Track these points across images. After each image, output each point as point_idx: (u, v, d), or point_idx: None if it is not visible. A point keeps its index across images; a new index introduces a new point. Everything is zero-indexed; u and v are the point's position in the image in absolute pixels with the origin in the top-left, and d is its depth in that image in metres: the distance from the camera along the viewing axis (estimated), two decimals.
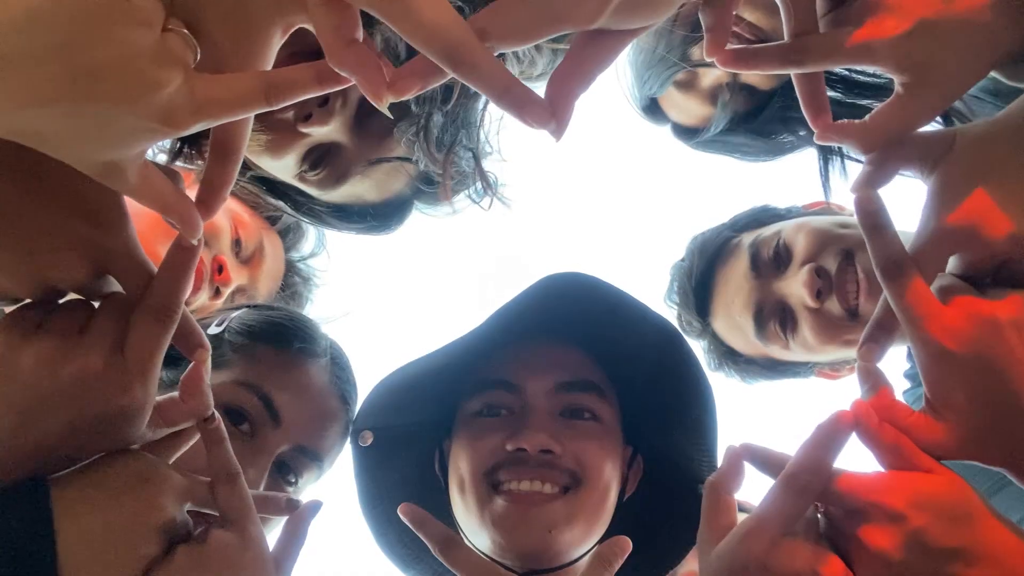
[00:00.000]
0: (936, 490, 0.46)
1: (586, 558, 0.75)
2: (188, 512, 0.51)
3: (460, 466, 0.78)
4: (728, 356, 1.28)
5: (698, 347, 1.31)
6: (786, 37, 0.53)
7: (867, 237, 0.53)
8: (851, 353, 1.14)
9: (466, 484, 0.77)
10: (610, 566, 0.68)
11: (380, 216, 1.00)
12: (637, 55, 1.17)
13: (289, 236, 1.28)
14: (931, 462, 0.48)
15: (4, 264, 0.48)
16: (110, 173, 0.42)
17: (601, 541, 0.77)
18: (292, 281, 1.29)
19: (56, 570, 0.44)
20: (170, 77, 0.39)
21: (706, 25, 0.51)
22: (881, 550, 0.45)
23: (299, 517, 0.59)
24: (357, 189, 0.92)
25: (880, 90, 0.96)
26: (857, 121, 0.53)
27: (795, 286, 1.09)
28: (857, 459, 0.50)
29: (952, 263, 0.51)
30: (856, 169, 0.56)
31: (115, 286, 0.51)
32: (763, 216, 1.28)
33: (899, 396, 0.53)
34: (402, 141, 0.84)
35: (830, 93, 0.94)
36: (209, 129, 0.46)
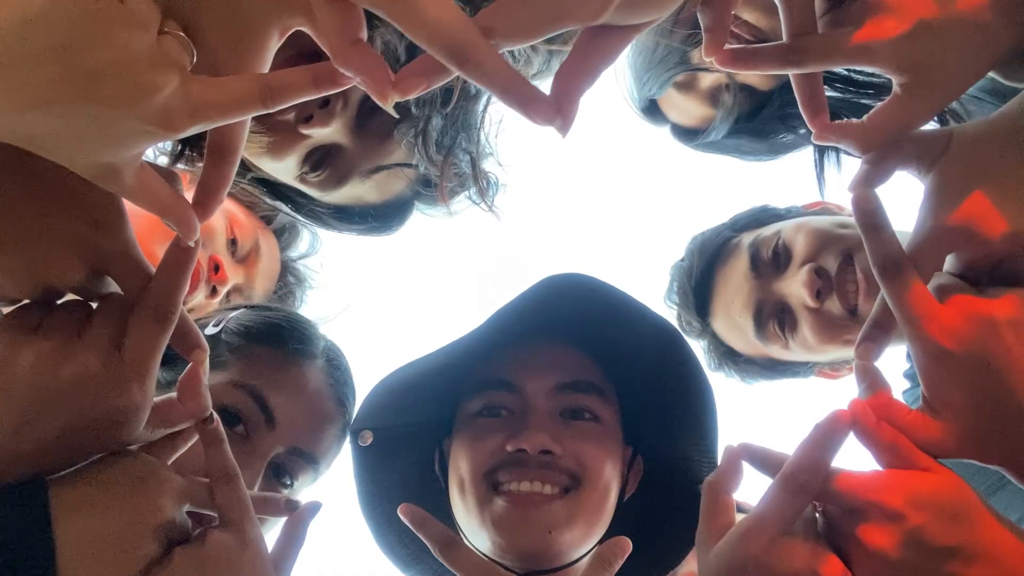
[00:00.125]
0: (934, 489, 0.46)
1: (586, 559, 0.75)
2: (187, 513, 0.51)
3: (460, 466, 0.78)
4: (728, 356, 1.28)
5: (698, 347, 1.31)
6: (784, 37, 0.53)
7: (864, 236, 0.53)
8: (851, 353, 1.13)
9: (466, 484, 0.77)
10: (610, 567, 0.69)
11: (381, 217, 1.00)
12: (636, 57, 1.17)
13: (284, 236, 1.28)
14: (929, 461, 0.48)
15: (2, 265, 0.48)
16: (107, 175, 0.42)
17: (601, 542, 0.77)
18: (287, 281, 1.29)
19: (55, 571, 0.44)
20: (166, 80, 0.40)
21: (704, 25, 0.51)
22: (879, 549, 0.45)
23: (298, 518, 0.59)
24: (358, 191, 0.93)
25: (880, 89, 0.96)
26: (855, 121, 0.53)
27: (795, 286, 1.09)
28: (855, 458, 0.50)
29: (949, 262, 0.51)
30: (852, 163, 0.56)
31: (113, 287, 0.51)
32: (763, 216, 1.28)
33: (898, 395, 0.53)
34: (402, 143, 0.84)
35: (830, 92, 0.95)
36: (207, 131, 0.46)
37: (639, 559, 0.71)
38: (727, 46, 0.52)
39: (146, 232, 0.51)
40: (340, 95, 0.79)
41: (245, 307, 0.86)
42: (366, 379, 0.85)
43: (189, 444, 0.56)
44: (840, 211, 1.24)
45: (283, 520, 0.61)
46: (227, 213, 1.14)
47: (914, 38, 0.49)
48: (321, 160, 0.86)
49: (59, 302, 0.51)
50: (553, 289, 0.78)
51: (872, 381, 0.53)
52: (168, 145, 0.83)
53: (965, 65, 0.50)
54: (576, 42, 0.43)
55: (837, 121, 0.54)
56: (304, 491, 0.79)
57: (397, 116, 0.74)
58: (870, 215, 0.53)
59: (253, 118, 0.47)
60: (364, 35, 0.41)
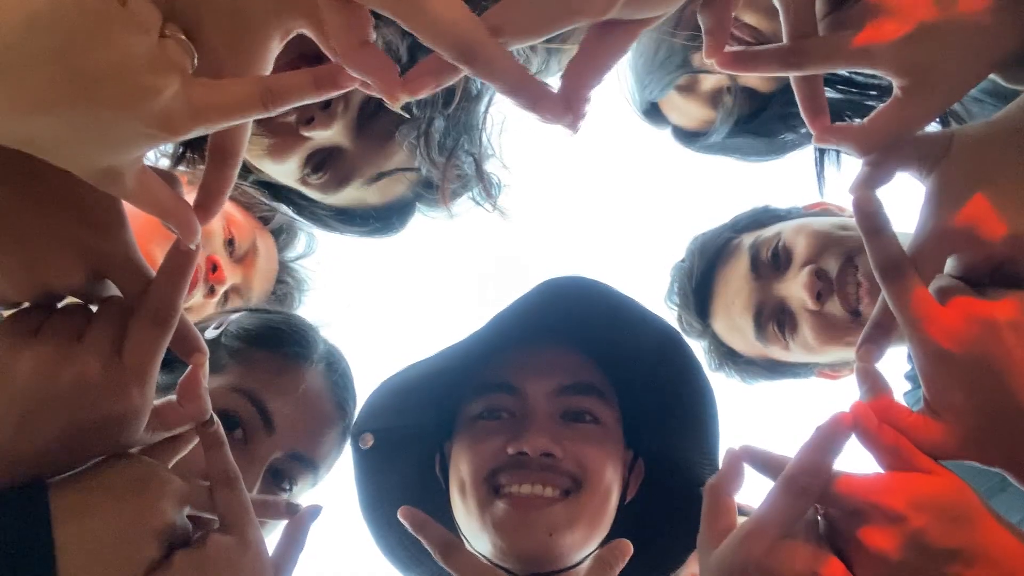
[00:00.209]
0: (935, 491, 0.46)
1: (587, 562, 0.75)
2: (187, 516, 0.51)
3: (461, 469, 0.78)
4: (728, 357, 1.28)
5: (699, 348, 1.31)
6: (785, 40, 0.53)
7: (865, 238, 0.53)
8: (852, 354, 1.13)
9: (467, 487, 0.76)
10: (611, 569, 0.69)
11: (382, 219, 1.00)
12: (638, 59, 1.17)
13: (282, 237, 1.28)
14: (930, 463, 0.48)
15: (2, 268, 0.48)
16: (108, 178, 0.42)
17: (602, 544, 0.77)
18: (285, 281, 1.29)
19: (55, 574, 0.44)
20: (167, 83, 0.40)
21: (705, 27, 0.51)
22: (881, 551, 0.45)
23: (299, 521, 0.59)
24: (359, 193, 0.93)
25: (883, 90, 0.96)
26: (855, 123, 0.53)
27: (795, 288, 1.09)
28: (857, 461, 0.50)
29: (950, 264, 0.51)
30: (852, 162, 0.56)
31: (113, 290, 0.51)
32: (764, 217, 1.28)
33: (900, 397, 0.53)
34: (404, 145, 0.84)
35: (832, 94, 0.95)
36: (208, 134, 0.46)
37: (640, 562, 0.71)
38: (727, 48, 0.52)
39: (143, 233, 0.51)
40: (341, 97, 0.79)
41: (246, 310, 0.86)
42: (367, 381, 0.85)
43: (190, 447, 0.56)
44: (841, 212, 1.24)
45: (284, 523, 0.61)
46: (224, 213, 1.15)
47: (915, 41, 0.48)
48: (322, 162, 0.86)
49: (59, 305, 0.51)
50: (554, 291, 0.78)
51: (873, 383, 0.53)
52: (169, 147, 0.83)
53: (966, 67, 0.50)
54: (584, 39, 0.42)
55: (837, 123, 0.54)
56: (303, 495, 0.78)
57: (406, 116, 0.74)
58: (871, 217, 0.53)
59: (254, 120, 0.47)
60: (372, 36, 0.41)
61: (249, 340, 0.77)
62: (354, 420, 0.84)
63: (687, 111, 1.21)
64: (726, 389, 1.32)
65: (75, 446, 0.48)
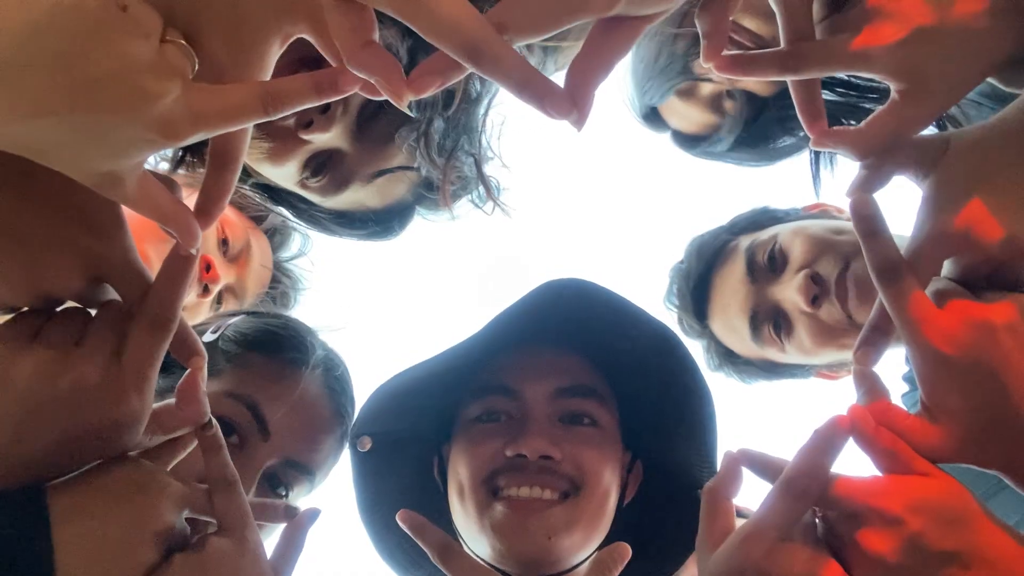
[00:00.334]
0: (933, 494, 0.46)
1: (586, 564, 0.75)
2: (185, 519, 0.51)
3: (459, 472, 0.78)
4: (727, 357, 1.28)
5: (698, 348, 1.32)
6: (782, 44, 0.53)
7: (862, 241, 0.53)
8: (848, 355, 1.14)
9: (465, 490, 0.76)
10: (610, 572, 0.69)
11: (382, 222, 1.00)
12: (638, 64, 1.17)
13: (276, 237, 1.28)
14: (928, 466, 0.48)
15: (1, 272, 0.48)
16: (108, 184, 0.43)
17: (601, 547, 0.77)
18: (280, 281, 1.29)
19: None
20: (168, 88, 0.40)
21: (703, 31, 0.51)
22: (878, 554, 0.45)
23: (297, 524, 0.59)
24: (359, 195, 0.93)
25: (881, 93, 0.96)
26: (852, 127, 0.54)
27: (790, 291, 1.10)
28: (855, 464, 0.51)
29: (947, 267, 0.51)
30: (847, 164, 0.56)
31: (112, 294, 0.51)
32: (762, 219, 1.28)
33: (898, 399, 0.53)
34: (403, 147, 0.84)
35: (831, 96, 0.95)
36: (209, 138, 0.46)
37: (638, 564, 0.71)
38: (725, 52, 0.53)
39: (138, 233, 0.51)
40: (340, 101, 0.79)
41: (244, 314, 0.85)
42: (366, 383, 0.85)
43: (188, 450, 0.56)
44: (840, 214, 1.24)
45: (282, 526, 0.61)
46: None
47: (912, 44, 0.49)
48: (322, 165, 0.86)
49: (58, 310, 0.51)
50: (552, 294, 0.78)
51: (870, 386, 0.53)
52: (169, 151, 0.84)
53: (963, 71, 0.50)
54: (588, 35, 0.42)
55: (835, 127, 0.54)
56: (300, 501, 0.78)
57: (412, 115, 0.74)
58: (868, 220, 0.53)
59: (254, 124, 0.47)
60: (376, 36, 0.41)
61: (246, 344, 0.77)
62: (352, 423, 0.84)
63: (687, 115, 1.21)
64: (725, 390, 1.32)
65: (74, 450, 0.48)
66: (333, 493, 0.85)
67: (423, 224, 1.04)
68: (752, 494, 0.55)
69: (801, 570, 0.46)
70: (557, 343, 0.83)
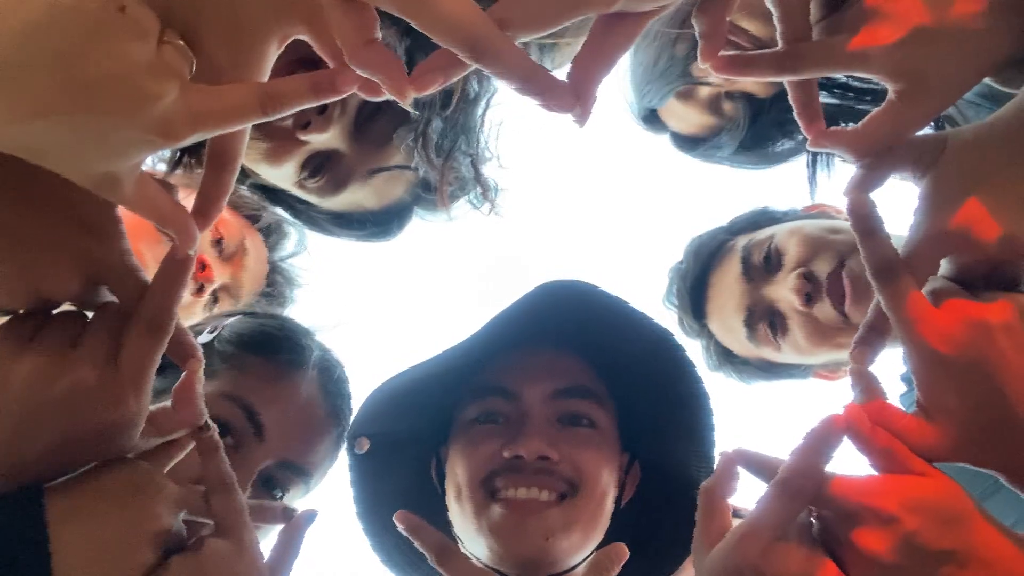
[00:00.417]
0: (929, 493, 0.46)
1: (583, 565, 0.75)
2: (183, 521, 0.51)
3: (457, 473, 0.78)
4: (726, 357, 1.29)
5: (698, 348, 1.32)
6: (780, 44, 0.53)
7: (859, 240, 0.53)
8: (843, 355, 1.14)
9: (463, 491, 0.76)
10: (607, 573, 0.69)
11: (380, 223, 1.00)
12: (636, 68, 1.17)
13: (271, 236, 1.28)
14: (924, 465, 0.48)
15: None
16: (106, 185, 0.43)
17: (599, 548, 0.77)
18: (275, 281, 1.29)
19: None
20: (166, 89, 0.40)
21: (700, 31, 0.51)
22: (874, 553, 0.45)
23: (294, 526, 0.59)
24: (357, 196, 0.93)
25: (879, 95, 0.96)
26: (850, 128, 0.54)
27: (784, 290, 1.10)
28: (852, 462, 0.51)
29: (944, 266, 0.51)
30: (843, 167, 0.57)
31: (109, 296, 0.51)
32: (761, 219, 1.28)
33: (895, 399, 0.53)
34: (401, 147, 0.85)
35: (829, 98, 0.95)
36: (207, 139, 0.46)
37: (636, 565, 0.71)
38: (723, 52, 0.53)
39: (132, 232, 0.51)
40: (338, 101, 0.79)
41: (240, 314, 0.85)
42: (365, 383, 0.85)
43: (185, 452, 0.56)
44: (839, 215, 1.24)
45: (279, 528, 0.61)
46: None
47: (909, 45, 0.49)
48: (320, 166, 0.86)
49: (54, 312, 0.51)
50: (549, 295, 0.78)
51: (867, 385, 0.53)
52: (166, 152, 0.83)
53: (960, 71, 0.50)
54: (591, 31, 0.42)
55: (832, 128, 0.54)
56: (295, 503, 0.78)
57: (416, 112, 0.74)
58: (865, 219, 0.53)
59: (251, 125, 0.47)
60: (378, 35, 0.41)
61: (242, 345, 0.77)
62: (350, 424, 0.83)
63: (686, 117, 1.21)
64: (724, 390, 1.32)
65: (71, 452, 0.48)
66: (330, 494, 0.85)
67: (422, 224, 1.04)
68: (749, 494, 0.55)
69: (797, 570, 0.46)
70: (555, 344, 0.83)
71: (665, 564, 0.83)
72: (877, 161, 0.54)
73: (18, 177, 0.45)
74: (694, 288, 1.26)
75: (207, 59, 0.44)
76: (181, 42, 0.42)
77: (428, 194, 0.96)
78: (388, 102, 0.46)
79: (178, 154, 0.83)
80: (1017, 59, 0.51)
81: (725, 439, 0.82)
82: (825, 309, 1.07)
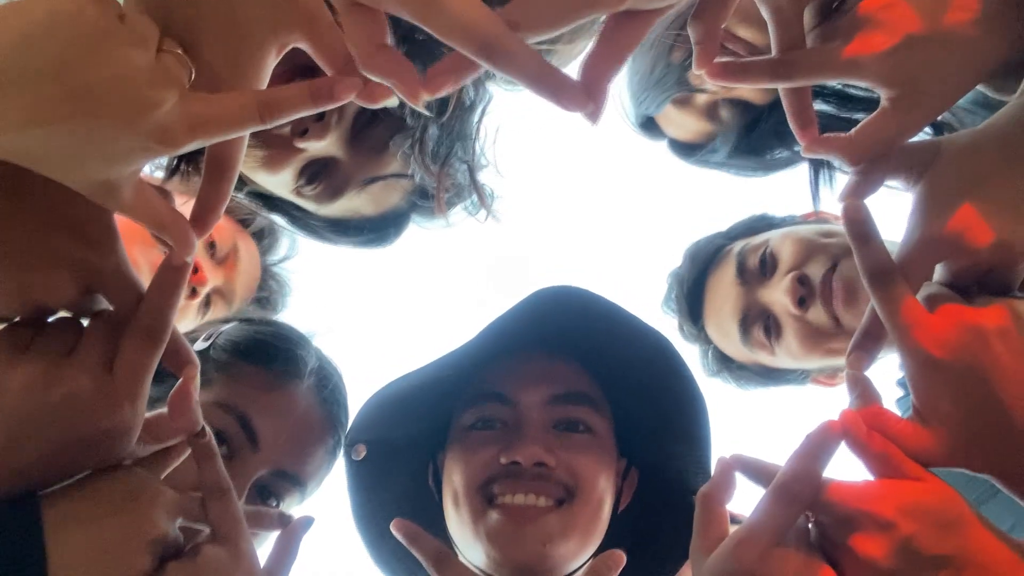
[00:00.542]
0: (925, 498, 0.46)
1: (581, 571, 0.75)
2: (179, 527, 0.51)
3: (454, 479, 0.78)
4: (723, 362, 1.29)
5: (695, 353, 1.32)
6: (774, 52, 0.53)
7: (854, 246, 0.53)
8: (836, 361, 1.14)
9: (460, 498, 0.76)
10: None
11: (377, 230, 1.00)
12: (633, 76, 1.18)
13: (264, 240, 1.28)
14: (920, 470, 0.48)
15: None
16: (105, 192, 0.43)
17: (596, 554, 0.77)
18: (268, 285, 1.29)
19: None
20: (165, 97, 0.40)
21: (695, 38, 0.52)
22: (871, 558, 0.45)
23: (291, 532, 0.59)
24: (354, 203, 0.93)
25: (873, 104, 0.96)
26: (843, 134, 0.54)
27: (778, 294, 1.10)
28: (849, 468, 0.51)
29: (938, 272, 0.52)
30: (845, 180, 0.57)
31: (104, 304, 0.51)
32: (758, 225, 1.29)
33: (892, 404, 0.53)
34: (398, 154, 0.85)
35: (824, 107, 0.95)
36: (205, 147, 0.46)
37: (633, 571, 0.71)
38: (717, 59, 0.53)
39: (124, 236, 0.51)
40: (335, 109, 0.79)
41: (237, 321, 0.85)
42: (364, 388, 0.85)
43: (182, 458, 0.56)
44: (837, 221, 1.25)
45: (275, 535, 0.61)
46: None
47: (902, 53, 0.49)
48: (317, 173, 0.86)
49: (50, 320, 0.51)
50: (546, 301, 0.79)
51: (863, 390, 0.53)
52: (164, 160, 0.84)
53: (952, 79, 0.51)
54: (601, 30, 0.43)
55: (826, 134, 0.55)
56: (291, 510, 0.77)
57: (430, 115, 0.74)
58: (859, 225, 0.53)
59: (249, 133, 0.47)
60: (389, 40, 0.41)
61: (237, 353, 0.77)
62: (346, 431, 0.83)
63: (684, 124, 1.21)
64: (721, 396, 1.32)
65: (67, 459, 0.48)
66: (327, 500, 0.85)
67: (420, 230, 1.04)
68: (746, 500, 0.55)
69: (795, 575, 0.46)
70: (552, 350, 0.83)
71: (662, 570, 0.83)
72: (871, 167, 0.54)
73: (14, 184, 0.45)
74: (691, 292, 1.26)
75: (206, 67, 0.44)
76: (180, 50, 0.42)
77: (425, 201, 0.96)
78: (385, 110, 0.47)
79: (175, 162, 0.84)
80: (1009, 67, 0.51)
81: (722, 445, 0.83)
82: (818, 313, 1.07)
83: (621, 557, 0.69)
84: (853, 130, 0.53)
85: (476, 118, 0.86)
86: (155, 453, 0.54)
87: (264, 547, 0.63)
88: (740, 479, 0.55)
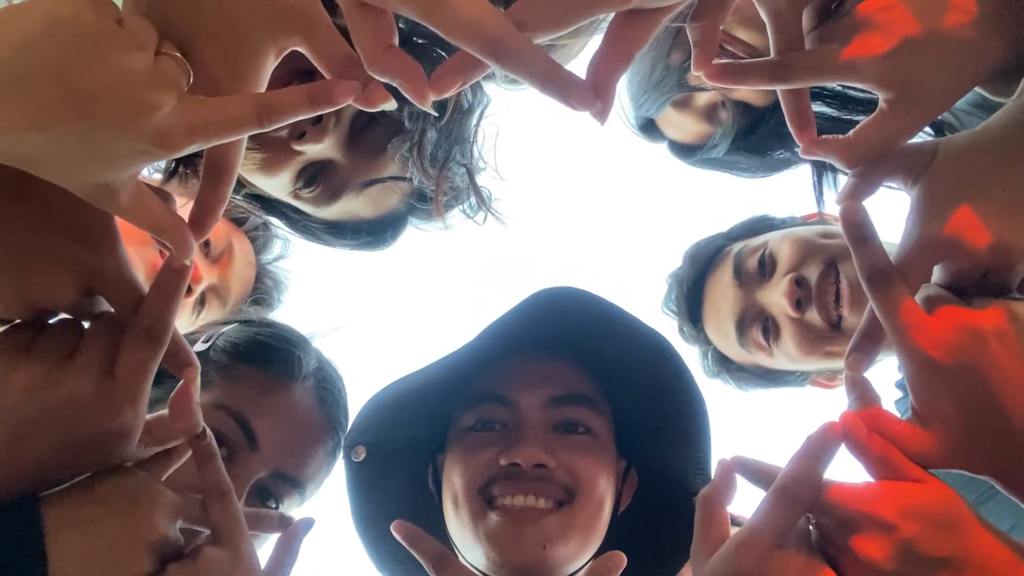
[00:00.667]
0: (925, 499, 0.46)
1: (581, 573, 0.75)
2: (179, 529, 0.51)
3: (454, 481, 0.78)
4: (723, 363, 1.29)
5: (696, 354, 1.32)
6: (772, 53, 0.53)
7: (852, 248, 0.53)
8: (835, 363, 1.15)
9: (460, 499, 0.76)
10: None
11: (374, 232, 1.01)
12: (632, 79, 1.18)
13: (258, 240, 1.28)
14: (919, 472, 0.48)
15: None
16: (104, 195, 0.43)
17: (596, 556, 0.77)
18: (263, 284, 1.29)
19: None
20: (164, 100, 0.40)
21: (693, 40, 0.52)
22: (872, 560, 0.45)
23: (291, 534, 0.59)
24: (351, 206, 0.93)
25: (873, 105, 0.96)
26: (841, 136, 0.54)
27: (775, 295, 1.10)
28: (849, 470, 0.51)
29: (936, 273, 0.52)
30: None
31: (105, 306, 0.51)
32: (758, 226, 1.29)
33: (891, 405, 0.53)
34: (396, 157, 0.85)
35: (824, 108, 0.95)
36: (203, 150, 0.46)
37: (634, 573, 0.71)
38: (716, 61, 0.53)
39: (121, 235, 0.51)
40: (333, 112, 0.79)
41: (236, 322, 0.85)
42: (362, 390, 0.85)
43: (182, 460, 0.56)
44: (836, 223, 1.25)
45: (275, 536, 0.61)
46: None
47: (899, 55, 0.49)
48: (314, 176, 0.86)
49: (51, 322, 0.51)
50: (545, 302, 0.79)
51: (862, 392, 0.53)
52: (162, 163, 0.84)
53: (950, 81, 0.51)
54: (608, 28, 0.43)
55: (824, 136, 0.55)
56: (291, 512, 0.77)
57: (436, 115, 0.74)
58: (858, 227, 0.53)
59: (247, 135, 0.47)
60: (396, 40, 0.41)
61: (237, 355, 0.77)
62: (346, 433, 0.83)
63: (683, 126, 1.22)
64: (721, 398, 1.32)
65: (67, 462, 0.48)
66: (327, 502, 0.85)
67: (419, 232, 1.05)
68: (747, 501, 0.55)
69: None
70: (551, 351, 0.83)
71: (662, 571, 0.83)
72: (869, 169, 0.54)
73: (14, 187, 0.45)
74: (691, 293, 1.27)
75: (204, 71, 0.44)
76: (178, 54, 0.43)
77: (423, 204, 0.96)
78: (383, 112, 0.47)
79: (173, 164, 0.84)
80: (1007, 69, 0.51)
81: (722, 446, 0.83)
82: (815, 315, 1.07)
83: (621, 559, 0.69)
84: (851, 132, 0.54)
85: (474, 121, 0.86)
86: (156, 455, 0.54)
87: (264, 549, 0.63)
88: (740, 481, 0.55)
